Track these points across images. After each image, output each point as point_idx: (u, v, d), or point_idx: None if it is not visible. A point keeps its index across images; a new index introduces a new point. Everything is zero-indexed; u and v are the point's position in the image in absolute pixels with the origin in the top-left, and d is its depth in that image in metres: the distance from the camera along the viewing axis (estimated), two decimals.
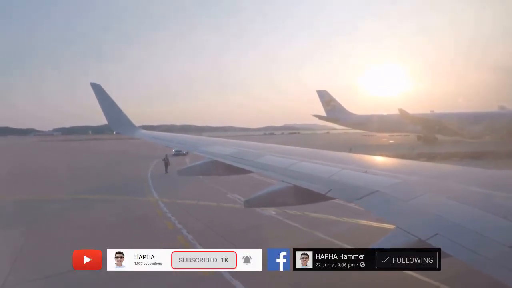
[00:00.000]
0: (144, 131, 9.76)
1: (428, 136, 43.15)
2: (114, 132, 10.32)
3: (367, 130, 57.15)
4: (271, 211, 9.47)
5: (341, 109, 56.98)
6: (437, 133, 43.12)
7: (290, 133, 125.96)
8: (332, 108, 56.71)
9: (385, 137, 58.92)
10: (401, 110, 42.43)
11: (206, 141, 6.70)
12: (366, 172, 3.03)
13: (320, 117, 58.67)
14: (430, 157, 22.81)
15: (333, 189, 2.83)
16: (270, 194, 3.33)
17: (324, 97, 57.49)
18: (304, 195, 3.16)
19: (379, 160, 3.91)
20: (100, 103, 9.24)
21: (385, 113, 54.77)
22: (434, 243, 1.78)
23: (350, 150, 28.71)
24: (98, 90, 9.35)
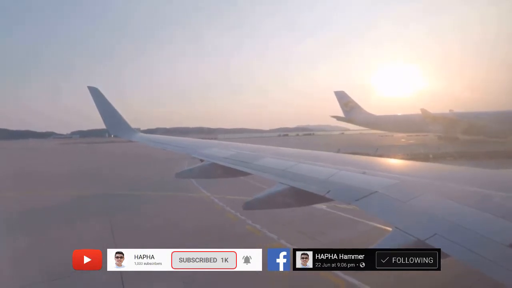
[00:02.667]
0: (142, 134, 9.74)
1: (450, 136, 42.83)
2: (112, 136, 10.24)
3: (386, 131, 57.03)
4: (322, 205, 10.07)
5: (359, 110, 57.13)
6: (460, 133, 42.74)
7: (305, 134, 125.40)
8: (350, 109, 56.94)
9: (403, 138, 58.55)
10: (423, 110, 42.25)
11: (205, 144, 6.76)
12: (364, 173, 3.06)
13: (338, 118, 58.92)
14: (469, 157, 22.40)
15: (331, 190, 2.85)
16: (269, 196, 3.35)
17: (342, 97, 57.78)
18: (303, 197, 3.17)
19: (377, 161, 3.95)
20: (98, 107, 9.26)
21: (400, 113, 54.71)
22: (432, 244, 1.79)
23: (376, 151, 29.00)
24: (95, 93, 9.32)
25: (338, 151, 28.25)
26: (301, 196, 3.18)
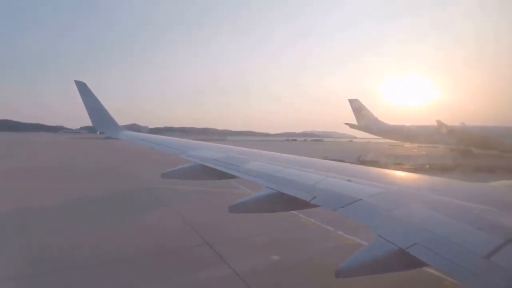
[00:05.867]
0: (129, 132, 9.43)
1: (464, 148, 43.05)
2: (98, 132, 9.98)
3: (398, 140, 57.32)
4: None
5: (373, 118, 57.33)
6: (474, 146, 42.89)
7: (313, 140, 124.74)
8: (364, 117, 57.20)
9: (414, 148, 58.75)
10: (438, 122, 42.47)
11: (194, 145, 6.71)
12: (350, 180, 3.09)
13: (351, 125, 59.20)
14: (491, 171, 22.23)
15: (317, 197, 2.87)
16: (254, 200, 3.35)
17: (356, 105, 58.08)
18: (289, 202, 3.18)
19: (363, 169, 3.96)
20: (84, 102, 8.97)
21: (409, 124, 54.85)
22: (413, 252, 1.83)
23: (396, 158, 29.47)
24: (82, 88, 9.01)
25: (359, 157, 28.83)
26: (286, 201, 3.20)
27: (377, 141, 74.50)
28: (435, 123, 43.12)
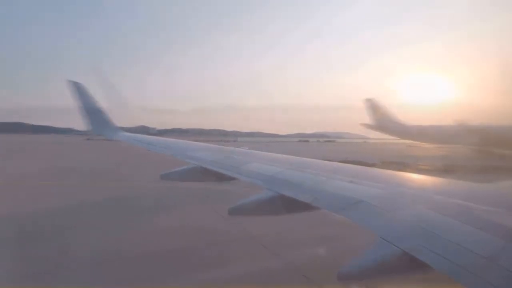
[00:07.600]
0: (126, 133, 9.47)
1: (486, 149, 41.85)
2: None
3: (417, 141, 55.94)
4: None
5: (391, 118, 56.00)
6: (497, 146, 41.61)
7: (326, 141, 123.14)
8: (381, 117, 55.95)
9: (433, 149, 57.47)
10: (459, 121, 41.48)
11: (193, 146, 6.69)
12: (352, 182, 3.06)
13: (368, 126, 58.26)
14: None
15: (318, 198, 2.86)
16: (254, 202, 3.30)
17: (372, 105, 56.95)
18: (290, 204, 3.13)
19: (365, 170, 3.89)
20: (80, 103, 8.88)
21: (427, 124, 53.69)
22: (416, 254, 1.81)
23: (418, 160, 28.80)
24: (78, 88, 8.98)
25: (382, 159, 28.24)
26: (287, 204, 3.15)
27: (392, 142, 73.04)
28: (454, 123, 42.20)
